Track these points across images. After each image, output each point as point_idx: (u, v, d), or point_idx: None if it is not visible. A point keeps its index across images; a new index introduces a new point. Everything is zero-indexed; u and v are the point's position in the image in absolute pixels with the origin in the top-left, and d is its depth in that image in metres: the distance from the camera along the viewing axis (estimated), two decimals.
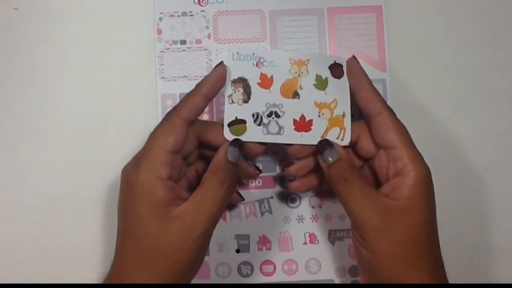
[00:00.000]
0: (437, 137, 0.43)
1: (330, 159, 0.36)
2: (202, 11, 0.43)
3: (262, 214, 0.43)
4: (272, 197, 0.43)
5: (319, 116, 0.37)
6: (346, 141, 0.37)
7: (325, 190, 0.42)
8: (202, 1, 0.43)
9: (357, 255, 0.36)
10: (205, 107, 0.36)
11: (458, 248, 0.43)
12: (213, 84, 0.36)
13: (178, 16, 0.43)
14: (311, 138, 0.37)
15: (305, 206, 0.43)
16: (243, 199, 0.41)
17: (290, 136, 0.37)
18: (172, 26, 0.43)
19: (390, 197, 0.34)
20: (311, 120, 0.37)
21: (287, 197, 0.43)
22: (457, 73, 0.44)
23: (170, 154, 0.34)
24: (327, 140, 0.37)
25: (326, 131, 0.37)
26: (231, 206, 0.42)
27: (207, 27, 0.43)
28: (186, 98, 0.35)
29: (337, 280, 0.42)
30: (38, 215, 0.42)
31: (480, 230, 0.43)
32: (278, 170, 0.43)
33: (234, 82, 0.37)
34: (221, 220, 0.42)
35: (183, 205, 0.34)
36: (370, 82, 0.37)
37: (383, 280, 0.34)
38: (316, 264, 0.42)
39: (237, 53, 0.37)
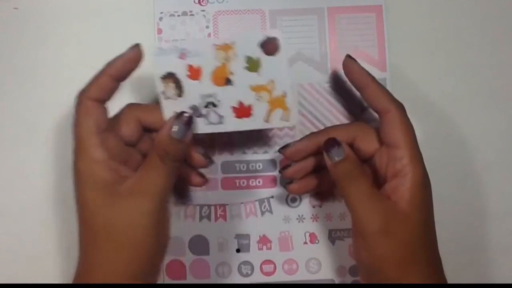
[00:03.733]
0: (437, 137, 0.43)
1: (337, 158, 0.35)
2: (202, 10, 0.43)
3: (263, 213, 0.43)
4: (272, 197, 0.43)
5: (257, 99, 0.36)
6: (291, 122, 0.36)
7: (324, 191, 0.42)
8: (202, 1, 0.43)
9: (357, 258, 0.36)
10: (117, 88, 0.35)
11: (458, 248, 0.43)
12: (123, 66, 0.35)
13: (178, 15, 0.43)
14: (254, 123, 0.36)
15: (305, 206, 0.43)
16: (207, 181, 0.39)
17: (232, 124, 0.36)
18: (172, 26, 0.43)
19: (391, 199, 0.34)
20: (250, 105, 0.36)
21: (287, 197, 0.43)
22: (457, 73, 0.44)
23: (97, 135, 0.33)
24: (334, 138, 0.36)
25: (268, 113, 0.36)
26: (194, 190, 0.42)
27: (207, 27, 0.43)
28: (93, 78, 0.35)
29: (337, 280, 0.42)
30: (38, 215, 0.42)
31: (480, 229, 0.43)
32: (278, 169, 0.43)
33: (164, 78, 0.35)
34: (221, 220, 0.42)
35: (128, 181, 0.33)
36: (373, 78, 0.37)
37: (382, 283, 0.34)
38: (316, 263, 0.42)
39: (160, 48, 0.35)
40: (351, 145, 0.37)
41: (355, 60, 0.37)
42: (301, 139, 0.38)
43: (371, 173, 0.38)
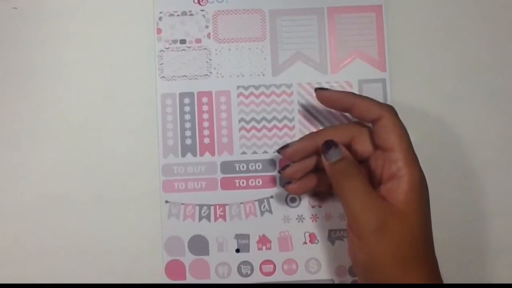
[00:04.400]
0: (437, 137, 0.43)
1: (334, 158, 0.35)
2: (202, 10, 0.43)
3: (262, 213, 0.43)
4: (272, 197, 0.43)
5: None
6: None
7: (324, 190, 0.42)
8: (202, 1, 0.43)
9: (353, 259, 0.36)
10: None
11: (458, 248, 0.43)
12: None
13: (178, 15, 0.43)
14: None
15: (305, 206, 0.43)
16: None
17: None
18: (172, 26, 0.43)
19: (388, 200, 0.34)
20: None
21: (287, 197, 0.43)
22: (457, 73, 0.44)
23: None
24: (332, 140, 0.36)
25: None
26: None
27: (207, 27, 0.43)
28: None
29: (337, 280, 0.42)
30: (38, 215, 0.42)
31: (480, 230, 0.43)
32: (278, 169, 0.43)
33: None
34: (221, 220, 0.42)
35: None
36: (354, 94, 0.37)
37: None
38: (316, 263, 0.42)
39: None
40: (348, 146, 0.37)
41: (326, 88, 0.38)
42: (300, 139, 0.39)
43: (367, 174, 0.38)
